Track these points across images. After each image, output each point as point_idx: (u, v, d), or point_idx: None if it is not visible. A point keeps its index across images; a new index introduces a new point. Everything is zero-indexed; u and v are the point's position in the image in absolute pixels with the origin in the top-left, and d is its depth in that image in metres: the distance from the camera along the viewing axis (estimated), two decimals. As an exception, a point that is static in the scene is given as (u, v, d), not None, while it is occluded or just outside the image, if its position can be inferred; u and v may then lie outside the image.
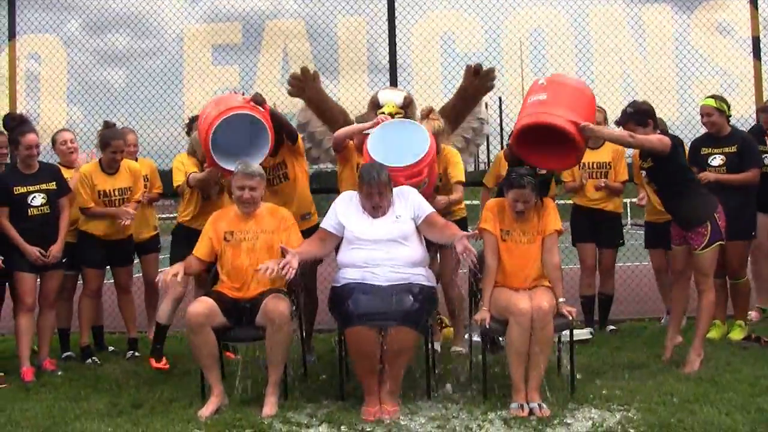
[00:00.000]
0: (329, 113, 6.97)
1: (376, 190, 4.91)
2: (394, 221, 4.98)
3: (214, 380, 4.85)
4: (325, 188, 7.14)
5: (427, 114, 6.03)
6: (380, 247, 4.89)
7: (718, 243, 5.35)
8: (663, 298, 7.22)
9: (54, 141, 6.59)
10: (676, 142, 5.38)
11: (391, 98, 6.46)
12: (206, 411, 4.67)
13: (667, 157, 5.23)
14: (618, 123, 5.48)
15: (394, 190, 5.09)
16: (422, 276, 4.93)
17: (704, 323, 5.50)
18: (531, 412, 4.55)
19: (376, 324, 4.59)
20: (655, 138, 5.24)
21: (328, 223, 5.11)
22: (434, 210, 5.15)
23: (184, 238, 5.94)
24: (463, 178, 6.04)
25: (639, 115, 5.35)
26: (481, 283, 5.04)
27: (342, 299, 4.76)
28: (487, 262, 5.02)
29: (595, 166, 6.80)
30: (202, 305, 4.82)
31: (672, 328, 5.78)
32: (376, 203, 4.96)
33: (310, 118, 7.05)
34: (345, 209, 5.09)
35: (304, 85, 6.82)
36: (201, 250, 5.20)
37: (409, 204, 5.06)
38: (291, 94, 6.89)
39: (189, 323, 4.76)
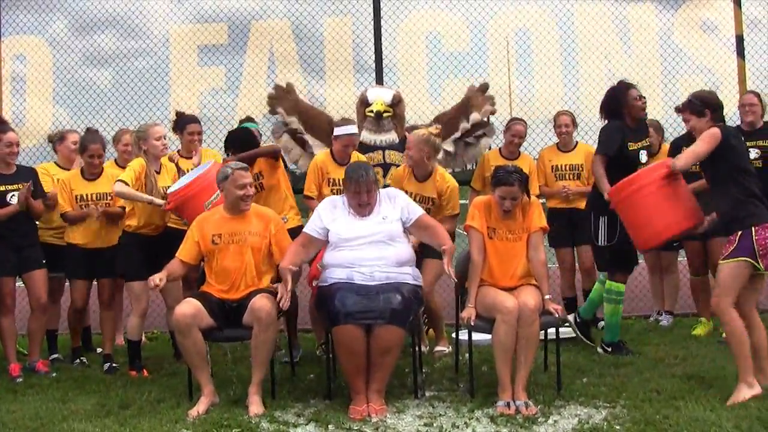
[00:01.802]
0: (310, 122, 7.04)
1: (365, 188, 4.91)
2: (380, 222, 4.97)
3: (204, 380, 4.86)
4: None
5: (436, 132, 5.96)
6: (366, 247, 4.88)
7: (741, 259, 4.61)
8: (654, 297, 7.24)
9: (117, 140, 6.65)
10: (729, 133, 4.82)
11: (380, 96, 6.51)
12: (197, 410, 4.68)
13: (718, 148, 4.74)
14: (677, 110, 5.38)
15: (382, 192, 5.12)
16: (409, 275, 4.94)
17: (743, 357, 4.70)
18: (518, 410, 4.56)
19: (363, 322, 4.61)
20: (696, 149, 4.80)
21: (311, 228, 5.09)
22: (423, 212, 5.17)
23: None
24: (458, 211, 6.00)
25: (696, 105, 4.96)
26: (467, 281, 5.04)
27: (329, 298, 4.76)
28: (473, 259, 5.01)
29: (567, 168, 6.88)
30: (189, 306, 4.80)
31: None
32: (363, 201, 4.95)
33: (291, 122, 7.10)
34: (330, 214, 5.06)
35: (276, 101, 6.89)
36: (186, 253, 5.15)
37: (397, 206, 5.06)
38: (269, 104, 7.00)
39: (177, 325, 4.76)
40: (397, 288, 4.76)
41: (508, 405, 4.59)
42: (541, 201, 5.65)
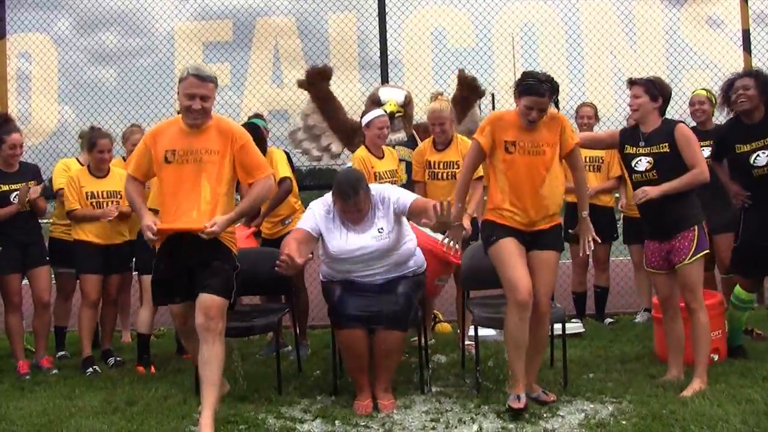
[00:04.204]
0: (333, 113, 7.02)
1: (353, 208, 4.70)
2: (375, 236, 4.77)
3: None
4: (320, 185, 7.14)
5: (437, 96, 6.16)
6: (364, 260, 4.78)
7: (704, 253, 4.81)
8: (640, 293, 7.21)
9: (126, 138, 6.63)
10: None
11: (393, 96, 6.53)
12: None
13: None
14: (631, 81, 5.06)
15: (375, 195, 4.86)
16: (409, 269, 4.93)
17: (704, 347, 4.85)
18: (536, 400, 4.54)
19: (363, 326, 4.64)
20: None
21: (307, 225, 4.85)
22: (414, 197, 4.94)
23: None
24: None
25: (656, 88, 4.90)
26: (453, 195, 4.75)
27: (331, 295, 4.82)
28: (462, 173, 4.76)
29: (588, 160, 6.79)
30: (178, 308, 4.58)
31: (674, 366, 5.01)
32: (352, 218, 4.77)
33: (312, 111, 7.08)
34: (323, 221, 4.84)
35: (316, 81, 6.85)
36: (137, 168, 4.59)
37: (390, 211, 4.83)
38: (300, 84, 6.91)
39: (177, 327, 4.80)
40: (396, 288, 4.77)
41: (518, 398, 4.42)
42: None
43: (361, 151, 6.11)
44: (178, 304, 4.55)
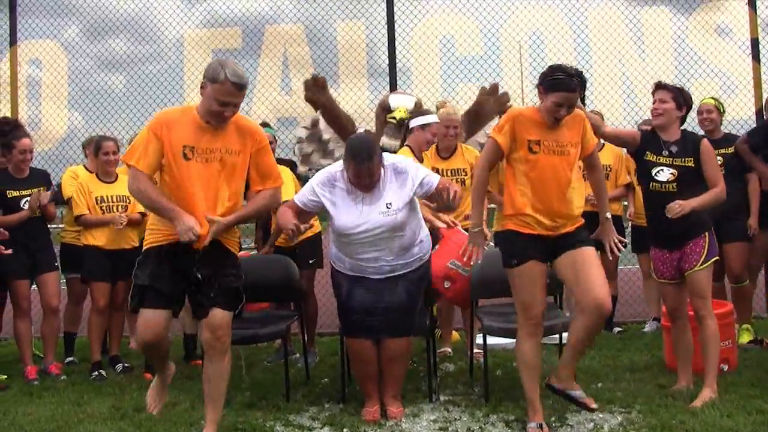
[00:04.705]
0: (338, 121, 6.99)
1: (366, 173, 4.47)
2: (383, 212, 4.54)
3: None
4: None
5: (444, 104, 6.18)
6: (370, 241, 4.57)
7: (714, 259, 4.78)
8: (649, 303, 7.19)
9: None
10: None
11: (403, 103, 6.50)
12: None
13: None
14: (659, 85, 4.92)
15: (389, 169, 4.64)
16: (415, 256, 4.73)
17: (714, 355, 4.76)
18: (574, 400, 4.36)
19: (369, 337, 4.65)
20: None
21: (302, 199, 4.68)
22: (439, 178, 4.71)
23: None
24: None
25: (683, 96, 4.87)
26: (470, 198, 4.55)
27: (338, 293, 4.80)
28: (478, 174, 4.46)
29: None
30: (160, 318, 4.10)
31: (683, 376, 4.98)
32: (364, 183, 4.53)
33: (319, 118, 7.08)
34: (328, 194, 4.61)
35: (315, 91, 6.82)
36: (148, 161, 4.04)
37: (406, 184, 4.60)
38: (306, 98, 6.88)
39: (144, 339, 4.15)
40: (398, 289, 4.64)
41: (540, 427, 4.26)
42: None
43: (406, 152, 6.02)
44: (162, 312, 4.09)
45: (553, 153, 4.26)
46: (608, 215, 4.57)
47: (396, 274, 4.66)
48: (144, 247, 4.21)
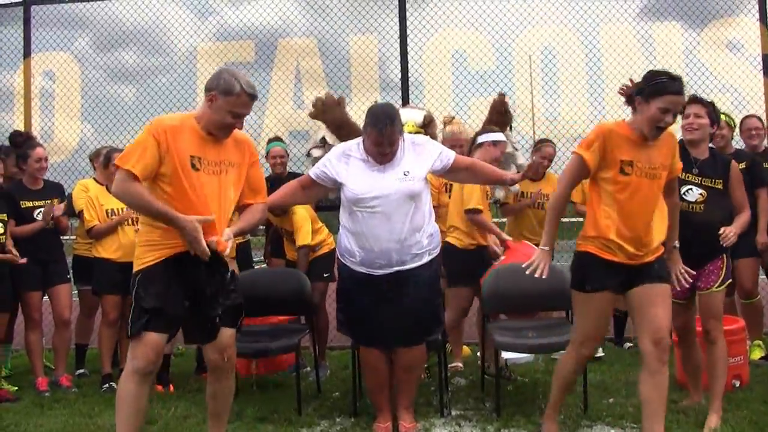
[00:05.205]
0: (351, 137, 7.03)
1: (387, 140, 4.36)
2: (401, 178, 4.42)
3: None
4: (331, 206, 7.13)
5: (451, 120, 6.24)
6: (383, 212, 4.38)
7: (729, 282, 4.72)
8: None
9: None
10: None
11: (412, 117, 6.52)
12: None
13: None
14: (696, 99, 4.70)
15: (408, 140, 4.57)
16: (425, 249, 4.53)
17: (722, 378, 4.66)
18: None
19: (381, 347, 4.63)
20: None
21: (316, 172, 4.59)
22: (454, 153, 4.68)
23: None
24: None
25: (716, 113, 4.71)
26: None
27: (345, 303, 4.68)
28: (560, 193, 4.09)
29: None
30: (160, 342, 3.82)
31: (694, 392, 4.97)
32: (384, 151, 4.42)
33: (325, 134, 7.09)
34: (344, 168, 4.51)
35: (325, 109, 6.83)
36: (145, 165, 3.71)
37: (423, 157, 4.53)
38: (311, 115, 6.89)
39: (140, 367, 3.79)
40: (410, 294, 4.48)
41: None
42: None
43: None
44: (165, 336, 3.84)
45: (645, 176, 3.94)
46: (676, 244, 4.31)
47: (405, 268, 4.46)
48: (142, 265, 3.83)
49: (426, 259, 4.53)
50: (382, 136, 4.33)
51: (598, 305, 4.06)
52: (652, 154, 3.94)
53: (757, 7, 7.78)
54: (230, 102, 3.80)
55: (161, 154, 3.73)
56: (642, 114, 3.90)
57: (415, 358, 4.66)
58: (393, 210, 4.39)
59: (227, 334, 3.94)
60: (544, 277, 4.05)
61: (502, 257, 5.52)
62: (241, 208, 4.14)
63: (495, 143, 5.99)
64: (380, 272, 4.47)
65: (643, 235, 3.96)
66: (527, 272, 4.07)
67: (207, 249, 3.72)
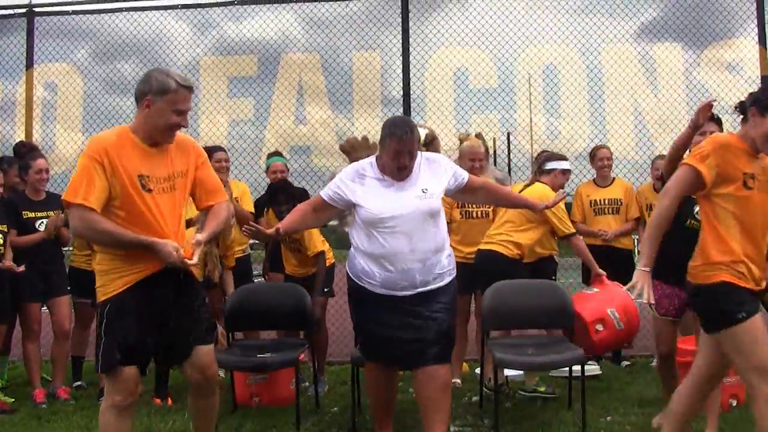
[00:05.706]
0: None
1: (407, 148, 4.14)
2: (419, 196, 4.23)
3: None
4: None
5: (467, 137, 6.33)
6: (403, 232, 4.19)
7: None
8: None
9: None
10: None
11: None
12: None
13: None
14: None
15: (423, 157, 4.35)
16: (446, 268, 4.35)
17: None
18: None
19: (397, 366, 4.45)
20: None
21: (328, 193, 4.37)
22: (468, 174, 4.57)
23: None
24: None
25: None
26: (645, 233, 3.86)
27: (360, 316, 4.46)
28: (665, 205, 3.65)
29: (606, 202, 6.85)
30: (134, 375, 3.66)
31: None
32: (403, 164, 4.20)
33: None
34: (359, 187, 4.29)
35: (356, 146, 6.83)
36: (98, 196, 3.52)
37: (439, 174, 4.36)
38: (341, 148, 6.85)
39: (117, 402, 3.63)
40: (436, 310, 4.26)
41: None
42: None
43: (545, 188, 5.98)
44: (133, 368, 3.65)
45: (765, 190, 3.63)
46: None
47: (428, 288, 4.26)
48: (109, 294, 3.62)
49: (447, 279, 4.36)
50: (402, 144, 4.13)
51: (759, 326, 3.53)
52: (765, 164, 3.67)
53: (756, 29, 7.82)
54: (169, 100, 3.61)
55: (108, 178, 3.53)
56: (756, 127, 3.60)
57: (446, 375, 4.33)
58: (413, 229, 4.20)
59: (203, 351, 3.76)
60: (652, 302, 3.81)
61: (594, 288, 5.62)
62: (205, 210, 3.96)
63: (564, 172, 6.18)
64: (403, 293, 4.26)
65: (763, 255, 3.63)
66: (632, 296, 3.71)
67: (184, 258, 3.58)
